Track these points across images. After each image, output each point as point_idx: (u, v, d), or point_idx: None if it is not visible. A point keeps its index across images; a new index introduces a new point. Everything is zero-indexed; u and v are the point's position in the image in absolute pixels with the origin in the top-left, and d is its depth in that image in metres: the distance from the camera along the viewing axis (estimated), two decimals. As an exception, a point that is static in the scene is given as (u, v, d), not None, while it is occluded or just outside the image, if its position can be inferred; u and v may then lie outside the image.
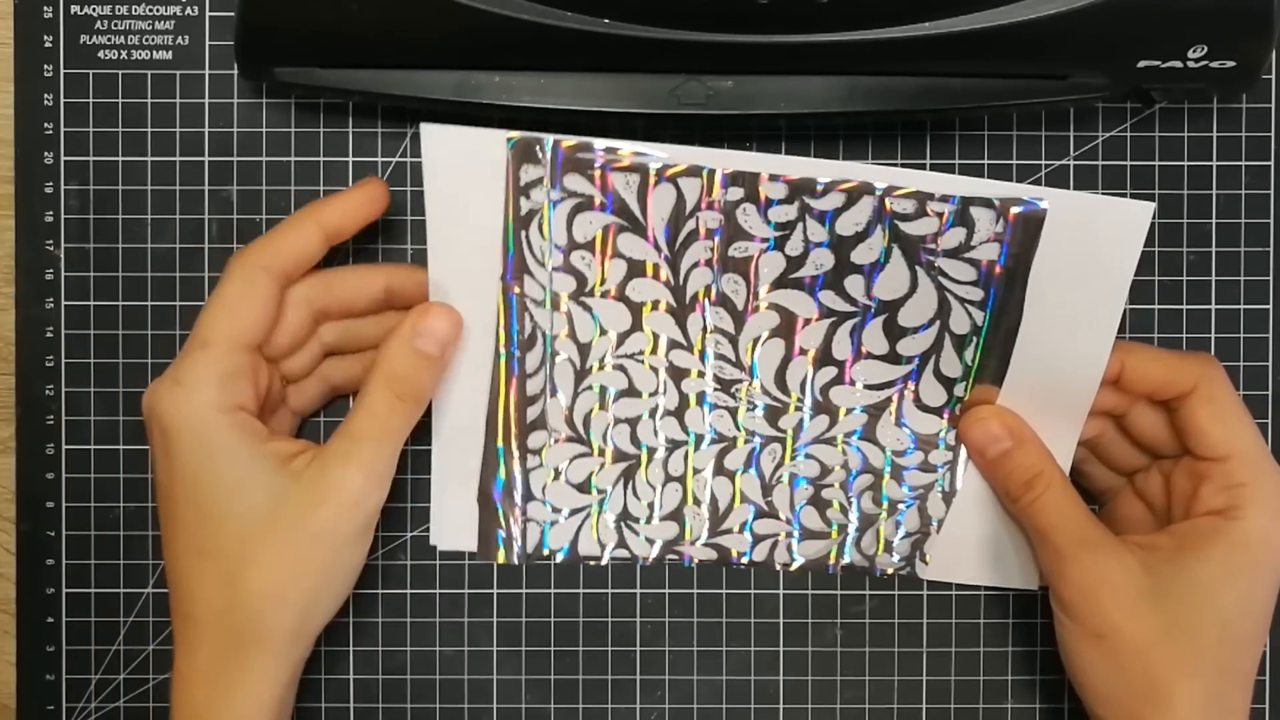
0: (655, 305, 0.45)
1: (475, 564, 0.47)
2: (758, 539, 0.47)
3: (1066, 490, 0.43)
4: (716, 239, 0.44)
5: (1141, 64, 0.42)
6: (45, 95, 0.46)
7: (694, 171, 0.43)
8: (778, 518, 0.47)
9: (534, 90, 0.43)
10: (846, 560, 0.47)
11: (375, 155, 0.47)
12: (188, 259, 0.47)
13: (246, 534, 0.40)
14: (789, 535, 0.47)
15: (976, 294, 0.44)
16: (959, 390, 0.45)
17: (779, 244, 0.44)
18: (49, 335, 0.47)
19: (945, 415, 0.46)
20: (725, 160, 0.43)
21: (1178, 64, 0.42)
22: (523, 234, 0.44)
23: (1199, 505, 0.43)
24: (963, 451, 0.46)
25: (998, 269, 0.43)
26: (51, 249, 0.46)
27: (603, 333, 0.45)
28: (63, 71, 0.46)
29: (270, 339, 0.42)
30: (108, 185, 0.46)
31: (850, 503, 0.47)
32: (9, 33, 0.46)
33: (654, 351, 0.46)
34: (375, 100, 0.44)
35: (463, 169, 0.43)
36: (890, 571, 0.47)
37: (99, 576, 0.47)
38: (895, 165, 0.46)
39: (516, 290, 0.44)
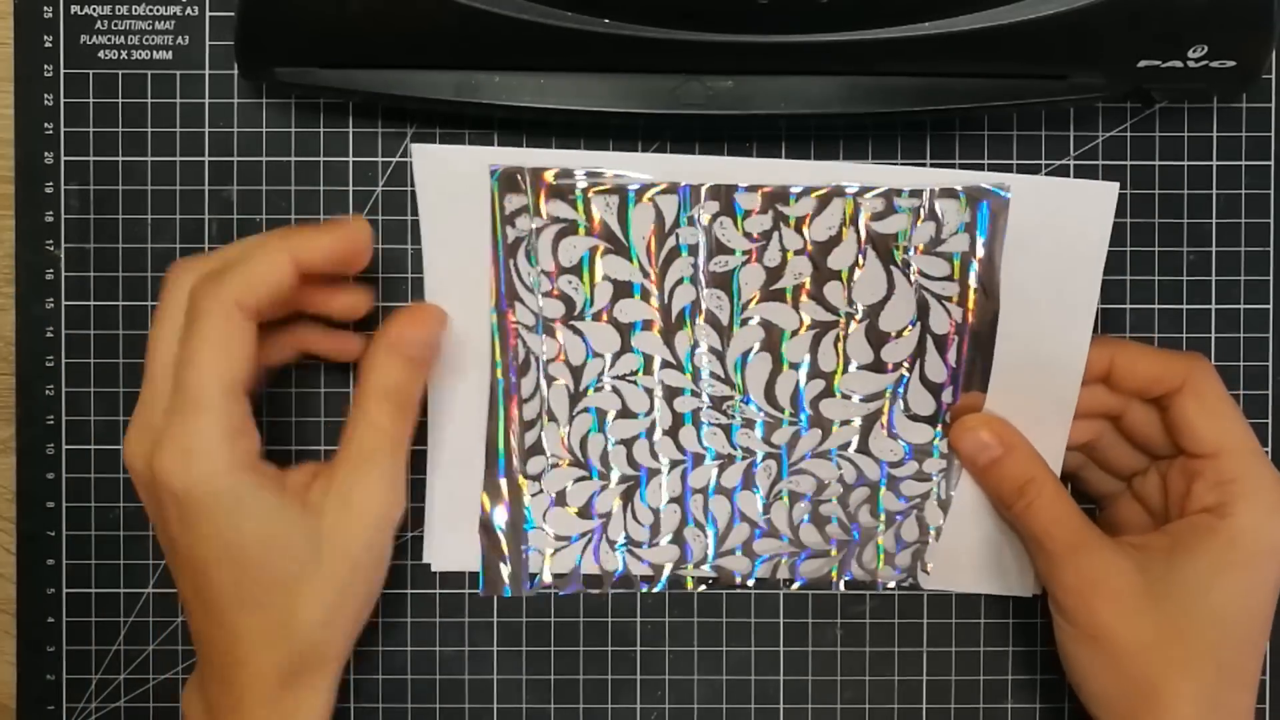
0: (645, 325, 0.45)
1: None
2: (759, 559, 0.47)
3: (1059, 494, 0.43)
4: (698, 255, 0.44)
5: (1141, 64, 0.42)
6: (45, 95, 0.46)
7: (671, 189, 0.44)
8: (778, 537, 0.47)
9: (534, 90, 0.43)
10: (849, 577, 0.47)
11: (375, 155, 0.46)
12: (188, 259, 0.47)
13: (292, 579, 0.40)
14: (792, 555, 0.47)
15: (952, 289, 0.44)
16: (946, 395, 0.45)
17: (757, 255, 0.44)
18: (49, 335, 0.47)
19: (937, 423, 0.46)
20: (700, 168, 0.44)
21: (1178, 64, 0.42)
22: (511, 262, 0.44)
23: (1192, 503, 0.43)
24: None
25: (970, 261, 0.44)
26: (51, 249, 0.46)
27: (594, 355, 0.45)
28: (63, 71, 0.46)
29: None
30: (108, 185, 0.46)
31: (848, 517, 0.47)
32: (9, 33, 0.46)
33: (646, 372, 0.46)
34: (375, 100, 0.44)
35: (453, 191, 0.44)
36: (893, 585, 0.47)
37: (99, 576, 0.47)
38: (865, 164, 0.46)
39: (510, 317, 0.45)
